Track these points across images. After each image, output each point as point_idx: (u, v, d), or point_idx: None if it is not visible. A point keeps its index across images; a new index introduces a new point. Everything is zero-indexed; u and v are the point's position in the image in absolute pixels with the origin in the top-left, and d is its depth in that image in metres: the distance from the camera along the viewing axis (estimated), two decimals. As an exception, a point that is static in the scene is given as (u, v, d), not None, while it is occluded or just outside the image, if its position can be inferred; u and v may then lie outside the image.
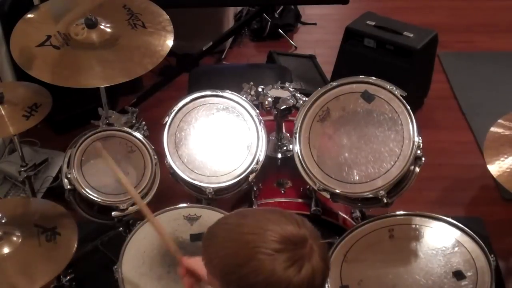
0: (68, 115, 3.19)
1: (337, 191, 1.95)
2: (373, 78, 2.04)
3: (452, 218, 1.93)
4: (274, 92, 2.22)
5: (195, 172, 2.08)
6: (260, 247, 1.08)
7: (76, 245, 1.98)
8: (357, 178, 1.95)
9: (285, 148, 2.29)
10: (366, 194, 1.94)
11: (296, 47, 4.06)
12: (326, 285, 1.82)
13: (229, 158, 2.10)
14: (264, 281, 1.08)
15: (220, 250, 1.15)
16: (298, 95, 2.21)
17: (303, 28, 4.28)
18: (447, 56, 3.87)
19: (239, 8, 4.14)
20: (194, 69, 3.23)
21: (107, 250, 2.47)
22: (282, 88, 2.25)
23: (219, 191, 2.08)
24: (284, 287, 1.08)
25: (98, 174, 2.14)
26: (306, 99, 2.12)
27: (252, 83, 2.27)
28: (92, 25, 2.09)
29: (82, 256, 2.38)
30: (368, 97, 2.01)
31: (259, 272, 1.08)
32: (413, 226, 1.93)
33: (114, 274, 1.88)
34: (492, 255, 1.81)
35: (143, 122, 2.42)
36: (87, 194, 2.09)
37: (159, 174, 2.21)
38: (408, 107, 1.97)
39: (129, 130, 2.23)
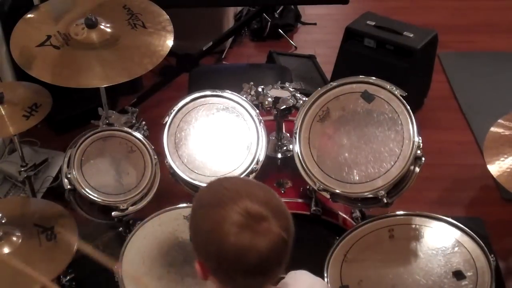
0: (68, 115, 3.19)
1: (337, 191, 1.95)
2: (373, 78, 2.04)
3: (452, 218, 1.93)
4: (274, 92, 2.22)
5: (195, 172, 2.08)
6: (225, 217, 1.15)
7: (76, 245, 1.98)
8: (357, 178, 1.95)
9: (285, 148, 2.28)
10: (366, 194, 1.94)
11: (296, 47, 4.06)
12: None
13: (229, 158, 2.10)
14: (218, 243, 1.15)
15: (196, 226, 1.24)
16: (298, 95, 2.21)
17: (303, 28, 4.28)
18: (447, 56, 3.87)
19: (239, 8, 4.14)
20: (194, 69, 3.23)
21: (107, 250, 2.47)
22: (282, 88, 2.25)
23: (219, 191, 2.07)
24: (242, 253, 1.13)
25: (98, 174, 2.14)
26: (306, 99, 2.12)
27: (252, 83, 2.27)
28: (92, 25, 2.09)
29: (82, 256, 2.38)
30: (368, 97, 2.01)
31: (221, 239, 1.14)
32: (413, 226, 1.93)
33: (114, 274, 1.88)
34: (492, 255, 1.81)
35: (143, 122, 2.42)
36: (87, 194, 2.09)
37: (159, 174, 2.21)
38: (408, 107, 1.97)
39: (129, 130, 2.23)
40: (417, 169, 1.95)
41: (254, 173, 2.07)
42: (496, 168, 2.06)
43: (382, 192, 1.91)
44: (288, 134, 2.30)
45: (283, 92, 2.22)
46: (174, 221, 2.01)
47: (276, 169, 2.27)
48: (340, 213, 2.19)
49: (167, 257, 1.91)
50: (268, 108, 2.20)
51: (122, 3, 2.22)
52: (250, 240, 1.12)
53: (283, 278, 1.33)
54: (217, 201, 1.18)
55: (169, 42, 2.13)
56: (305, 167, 2.00)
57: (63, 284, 2.34)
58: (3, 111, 2.06)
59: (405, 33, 3.21)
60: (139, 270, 1.88)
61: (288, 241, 1.16)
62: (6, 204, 2.25)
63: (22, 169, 2.31)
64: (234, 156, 2.10)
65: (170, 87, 3.46)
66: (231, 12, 4.00)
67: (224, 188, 1.21)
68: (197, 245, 1.23)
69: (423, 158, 1.95)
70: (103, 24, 2.12)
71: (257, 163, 2.08)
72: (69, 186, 2.12)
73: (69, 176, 2.11)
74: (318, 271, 1.85)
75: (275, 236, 1.13)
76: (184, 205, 2.06)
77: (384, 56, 3.22)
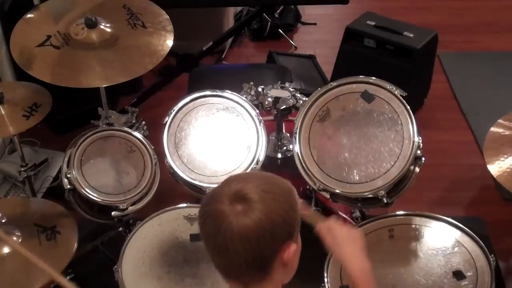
0: (68, 115, 3.19)
1: (337, 191, 1.95)
2: (373, 78, 2.05)
3: (452, 218, 1.93)
4: (274, 92, 2.22)
5: (195, 172, 2.08)
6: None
7: (76, 244, 1.99)
8: (357, 178, 1.95)
9: (285, 148, 2.29)
10: (366, 194, 1.94)
11: (296, 47, 4.06)
12: (327, 285, 1.82)
13: (229, 158, 2.10)
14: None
15: None
16: (298, 95, 2.22)
17: (303, 28, 4.28)
18: (447, 56, 3.87)
19: (239, 8, 4.14)
20: (194, 69, 3.23)
21: (107, 250, 2.47)
22: (282, 88, 2.25)
23: (219, 191, 2.07)
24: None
25: (98, 174, 2.14)
26: (306, 99, 2.12)
27: (252, 83, 2.27)
28: (92, 25, 2.09)
29: (82, 256, 2.38)
30: (368, 97, 2.01)
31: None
32: (413, 226, 1.94)
33: (114, 274, 1.88)
34: (492, 255, 1.81)
35: (143, 122, 2.42)
36: (87, 194, 2.09)
37: (159, 174, 2.21)
38: (408, 107, 1.97)
39: (129, 130, 2.23)
40: (417, 169, 1.96)
41: (254, 173, 2.07)
42: (496, 168, 2.06)
43: (382, 192, 1.91)
44: (288, 134, 2.30)
45: (283, 92, 2.22)
46: (174, 221, 2.01)
47: (276, 169, 2.27)
48: (340, 213, 2.19)
49: (167, 257, 1.91)
50: (268, 108, 2.20)
51: (122, 3, 2.22)
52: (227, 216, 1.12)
53: None
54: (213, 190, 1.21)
55: (169, 42, 2.13)
56: (305, 167, 2.00)
57: (63, 284, 2.34)
58: (3, 111, 2.06)
59: (405, 33, 3.21)
60: (139, 270, 1.88)
61: (268, 230, 1.13)
62: (6, 204, 2.26)
63: (22, 169, 2.32)
64: (234, 156, 2.10)
65: (170, 87, 3.46)
66: (231, 12, 4.00)
67: (225, 181, 1.21)
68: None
69: (423, 158, 1.95)
70: (103, 24, 2.12)
71: (257, 163, 2.08)
72: (69, 186, 2.12)
73: (69, 176, 2.11)
74: (318, 271, 1.86)
75: (253, 220, 1.11)
76: (184, 205, 2.06)
77: (384, 56, 3.22)
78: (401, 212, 1.97)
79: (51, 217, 2.07)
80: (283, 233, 1.16)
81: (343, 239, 1.43)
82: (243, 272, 1.17)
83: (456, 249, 1.85)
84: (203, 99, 2.18)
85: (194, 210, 2.03)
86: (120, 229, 2.30)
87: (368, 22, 3.30)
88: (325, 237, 1.45)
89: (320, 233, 1.46)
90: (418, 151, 1.94)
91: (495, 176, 2.05)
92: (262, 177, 1.20)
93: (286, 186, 1.20)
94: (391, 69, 3.12)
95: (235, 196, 1.13)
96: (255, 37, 4.15)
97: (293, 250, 1.17)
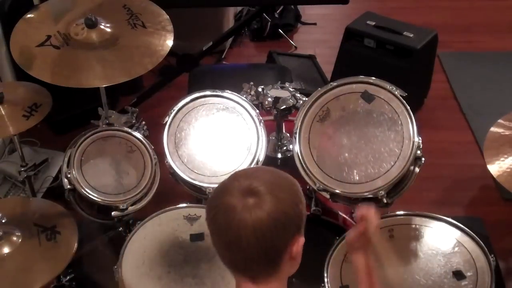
0: (68, 115, 3.19)
1: (337, 191, 1.95)
2: (373, 78, 2.04)
3: (452, 218, 1.93)
4: (274, 92, 2.22)
5: (195, 172, 2.08)
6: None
7: (76, 244, 1.98)
8: (357, 178, 1.95)
9: (285, 148, 2.29)
10: (366, 194, 1.94)
11: (296, 47, 4.06)
12: (327, 285, 1.82)
13: (229, 158, 2.10)
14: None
15: None
16: (298, 95, 2.21)
17: (303, 28, 4.28)
18: (447, 56, 3.87)
19: (239, 8, 4.14)
20: (194, 69, 3.23)
21: (107, 250, 2.47)
22: (282, 88, 2.25)
23: (219, 191, 2.07)
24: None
25: (98, 174, 2.14)
26: (306, 99, 2.12)
27: (252, 83, 2.27)
28: (92, 25, 2.09)
29: (82, 256, 2.38)
30: (368, 97, 2.01)
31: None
32: (413, 226, 1.94)
33: (114, 274, 1.88)
34: (492, 255, 1.81)
35: (143, 122, 2.42)
36: (87, 194, 2.09)
37: (159, 174, 2.21)
38: (408, 107, 1.97)
39: (129, 130, 2.23)
40: (417, 169, 1.95)
41: (254, 173, 2.06)
42: (496, 168, 2.06)
43: (382, 192, 1.91)
44: (288, 134, 2.30)
45: (283, 92, 2.22)
46: (174, 221, 2.01)
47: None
48: (340, 213, 2.19)
49: (167, 257, 1.91)
50: (268, 108, 2.20)
51: (122, 3, 2.22)
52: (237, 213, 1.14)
53: None
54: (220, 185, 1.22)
55: (169, 42, 2.12)
56: (305, 167, 2.00)
57: (63, 284, 2.34)
58: (3, 111, 2.06)
59: (405, 33, 3.21)
60: (139, 270, 1.88)
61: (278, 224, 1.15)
62: (6, 204, 2.25)
63: (22, 169, 2.32)
64: (234, 156, 2.10)
65: (170, 87, 3.46)
66: (231, 12, 4.00)
67: (234, 174, 1.23)
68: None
69: (423, 158, 1.95)
70: (103, 24, 2.12)
71: (257, 163, 2.08)
72: (69, 186, 2.12)
73: (69, 176, 2.11)
74: (318, 271, 1.86)
75: (266, 213, 1.13)
76: (184, 205, 2.06)
77: (384, 56, 3.22)
78: (401, 212, 1.97)
79: (51, 217, 2.07)
80: (293, 226, 1.18)
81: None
82: (253, 265, 1.18)
83: (456, 249, 1.85)
84: (203, 99, 2.18)
85: (194, 210, 2.03)
86: (120, 229, 2.30)
87: (368, 22, 3.30)
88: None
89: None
90: (418, 151, 1.93)
91: (495, 176, 2.05)
92: (269, 171, 1.23)
93: (292, 180, 1.23)
94: (391, 69, 3.12)
95: (246, 190, 1.15)
96: (255, 37, 4.15)
97: (301, 243, 1.20)
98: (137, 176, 2.15)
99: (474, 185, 3.02)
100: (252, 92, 2.23)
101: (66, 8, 2.22)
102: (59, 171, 2.70)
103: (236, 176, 1.21)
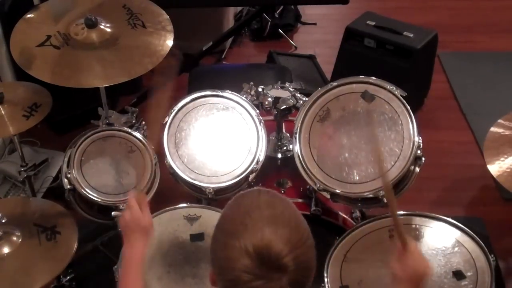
0: (68, 115, 3.19)
1: (337, 191, 1.95)
2: (373, 78, 2.05)
3: (452, 218, 1.93)
4: (274, 92, 2.22)
5: (195, 172, 2.08)
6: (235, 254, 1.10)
7: (76, 244, 1.99)
8: (357, 178, 1.95)
9: (285, 148, 2.28)
10: (366, 194, 1.94)
11: (296, 47, 4.06)
12: (327, 285, 1.82)
13: (229, 158, 2.10)
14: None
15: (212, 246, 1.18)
16: (298, 95, 2.22)
17: (303, 28, 4.28)
18: (447, 56, 3.87)
19: (239, 8, 4.14)
20: (194, 69, 3.23)
21: (107, 250, 2.47)
22: (282, 88, 2.25)
23: (219, 191, 2.08)
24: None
25: (98, 174, 2.14)
26: (306, 99, 2.12)
27: (252, 83, 2.27)
28: (92, 25, 2.09)
29: (82, 256, 2.38)
30: (368, 97, 2.01)
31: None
32: (413, 226, 1.93)
33: (114, 274, 1.88)
34: (492, 255, 1.81)
35: (143, 122, 2.42)
36: (87, 194, 2.09)
37: (159, 174, 2.20)
38: (408, 107, 1.97)
39: (129, 130, 2.23)
40: (417, 169, 1.96)
41: (254, 173, 2.07)
42: (496, 168, 2.07)
43: (382, 192, 1.91)
44: (288, 134, 2.30)
45: (283, 92, 2.22)
46: (174, 221, 2.01)
47: (276, 169, 2.27)
48: (340, 213, 2.19)
49: (167, 257, 1.91)
50: (268, 108, 2.20)
51: (122, 3, 2.22)
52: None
53: None
54: (235, 231, 1.12)
55: (169, 42, 2.12)
56: (305, 167, 2.00)
57: (63, 284, 2.34)
58: (3, 111, 2.06)
59: (405, 33, 3.21)
60: (139, 270, 1.87)
61: None
62: (6, 204, 2.26)
63: (22, 169, 2.32)
64: (234, 156, 2.10)
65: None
66: (231, 12, 4.00)
67: (248, 216, 1.12)
68: (212, 262, 1.17)
69: (423, 158, 1.95)
70: (103, 24, 2.12)
71: (257, 163, 2.08)
72: (69, 186, 2.12)
73: (69, 176, 2.11)
74: (318, 271, 1.86)
75: None
76: (184, 205, 2.06)
77: (384, 56, 3.22)
78: (401, 212, 1.97)
79: (51, 217, 2.07)
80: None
81: (415, 266, 1.42)
82: None
83: (456, 249, 1.85)
84: (203, 99, 2.18)
85: (194, 210, 2.03)
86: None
87: (368, 22, 3.30)
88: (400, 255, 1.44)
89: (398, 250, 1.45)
90: (418, 151, 1.94)
91: (495, 176, 2.05)
92: (286, 223, 1.15)
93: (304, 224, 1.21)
94: (391, 69, 3.12)
95: (265, 260, 1.08)
96: (255, 37, 4.15)
97: None
98: (137, 176, 2.15)
99: (474, 185, 3.02)
100: (252, 92, 2.24)
101: (66, 8, 2.22)
102: (59, 171, 2.70)
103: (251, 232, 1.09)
